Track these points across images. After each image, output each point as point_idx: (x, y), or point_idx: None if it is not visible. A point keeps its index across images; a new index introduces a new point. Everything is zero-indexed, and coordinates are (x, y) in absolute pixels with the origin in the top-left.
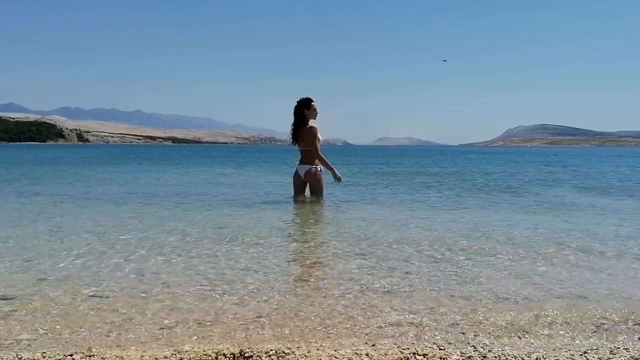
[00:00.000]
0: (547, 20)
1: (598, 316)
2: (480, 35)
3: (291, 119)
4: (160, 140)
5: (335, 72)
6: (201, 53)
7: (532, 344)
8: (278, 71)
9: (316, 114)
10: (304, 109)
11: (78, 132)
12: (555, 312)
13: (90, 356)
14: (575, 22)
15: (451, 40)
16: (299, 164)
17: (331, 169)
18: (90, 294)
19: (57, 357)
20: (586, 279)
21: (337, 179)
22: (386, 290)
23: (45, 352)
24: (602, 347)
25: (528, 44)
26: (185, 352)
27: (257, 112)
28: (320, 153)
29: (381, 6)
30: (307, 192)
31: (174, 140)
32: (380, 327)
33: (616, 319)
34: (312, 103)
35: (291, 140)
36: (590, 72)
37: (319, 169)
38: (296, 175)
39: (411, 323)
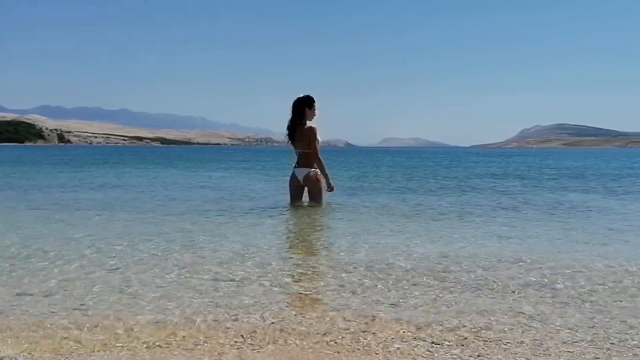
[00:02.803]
0: (565, 17)
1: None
2: (492, 33)
3: (287, 118)
4: (148, 141)
5: (336, 71)
6: (195, 49)
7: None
8: (277, 70)
9: (314, 115)
10: (305, 107)
11: (59, 132)
12: (577, 330)
13: None
14: (597, 18)
15: (460, 37)
16: (296, 167)
17: (326, 176)
18: (73, 308)
19: None
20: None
21: (330, 188)
22: (391, 303)
23: None
24: None
25: (544, 40)
26: None
27: (255, 112)
28: (319, 156)
29: (381, 6)
30: (305, 197)
31: (163, 141)
32: (386, 343)
33: None
34: (315, 103)
35: (287, 139)
36: (612, 70)
37: (318, 172)
38: (293, 178)
39: (418, 338)
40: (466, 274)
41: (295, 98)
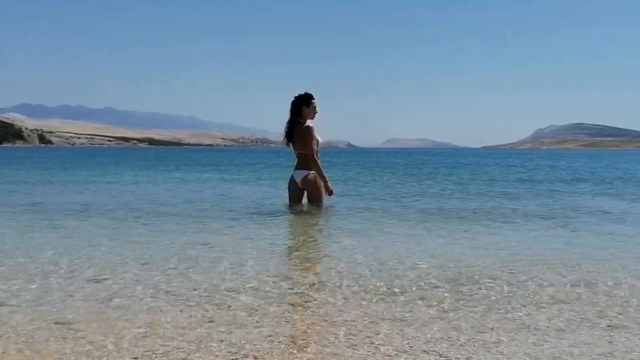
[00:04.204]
0: (583, 12)
1: None
2: (501, 29)
3: (286, 117)
4: (135, 142)
5: (337, 68)
6: (185, 42)
7: None
8: (276, 67)
9: (315, 113)
10: (301, 105)
11: (40, 132)
12: (595, 340)
13: None
14: (617, 14)
15: (467, 33)
16: (295, 169)
17: (324, 179)
18: (55, 319)
19: None
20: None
21: (329, 192)
22: (398, 317)
23: None
24: None
25: (559, 35)
26: None
27: (251, 112)
28: (315, 157)
29: None
30: (305, 200)
31: (151, 141)
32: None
33: None
34: (312, 101)
35: (284, 140)
36: (631, 67)
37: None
38: (292, 181)
39: (424, 351)
40: (478, 285)
41: (293, 98)
